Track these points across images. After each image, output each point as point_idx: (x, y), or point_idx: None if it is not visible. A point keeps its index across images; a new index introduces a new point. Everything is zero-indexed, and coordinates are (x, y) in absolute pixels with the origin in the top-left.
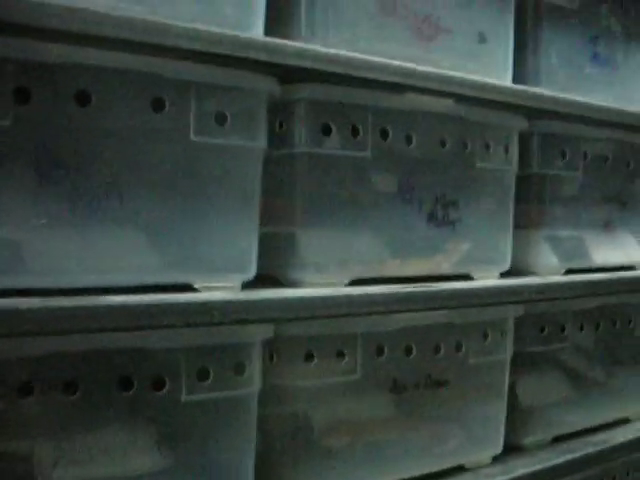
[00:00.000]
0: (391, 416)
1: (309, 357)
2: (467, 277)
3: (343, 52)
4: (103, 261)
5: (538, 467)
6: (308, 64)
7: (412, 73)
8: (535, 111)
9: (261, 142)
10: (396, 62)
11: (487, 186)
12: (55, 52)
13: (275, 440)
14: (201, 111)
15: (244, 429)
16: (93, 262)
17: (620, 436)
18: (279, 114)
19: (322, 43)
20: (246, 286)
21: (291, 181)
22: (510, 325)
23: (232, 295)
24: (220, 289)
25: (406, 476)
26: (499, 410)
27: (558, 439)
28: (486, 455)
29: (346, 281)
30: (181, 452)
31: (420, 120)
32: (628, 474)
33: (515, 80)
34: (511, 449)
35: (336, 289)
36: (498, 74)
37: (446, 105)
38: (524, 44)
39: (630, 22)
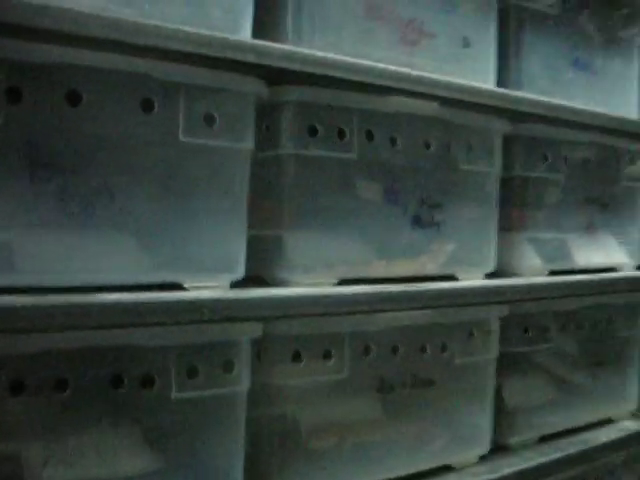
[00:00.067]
0: (378, 416)
1: (297, 356)
2: (452, 278)
3: (330, 55)
4: (94, 261)
5: (524, 466)
6: (296, 66)
7: (398, 76)
8: (518, 114)
9: (249, 143)
10: (382, 65)
11: (471, 188)
12: (46, 52)
13: (263, 439)
14: (190, 112)
15: (233, 428)
16: (84, 261)
17: (603, 436)
18: (266, 116)
19: (308, 47)
20: (235, 286)
21: (278, 183)
22: (495, 326)
23: (221, 293)
24: (209, 288)
25: (393, 475)
26: (485, 410)
27: (544, 439)
28: (473, 455)
29: (333, 281)
30: (170, 451)
31: (405, 123)
32: (613, 473)
33: (498, 85)
34: (497, 449)
35: (323, 288)
36: (481, 78)
37: (431, 108)
38: (507, 49)
39: (609, 29)
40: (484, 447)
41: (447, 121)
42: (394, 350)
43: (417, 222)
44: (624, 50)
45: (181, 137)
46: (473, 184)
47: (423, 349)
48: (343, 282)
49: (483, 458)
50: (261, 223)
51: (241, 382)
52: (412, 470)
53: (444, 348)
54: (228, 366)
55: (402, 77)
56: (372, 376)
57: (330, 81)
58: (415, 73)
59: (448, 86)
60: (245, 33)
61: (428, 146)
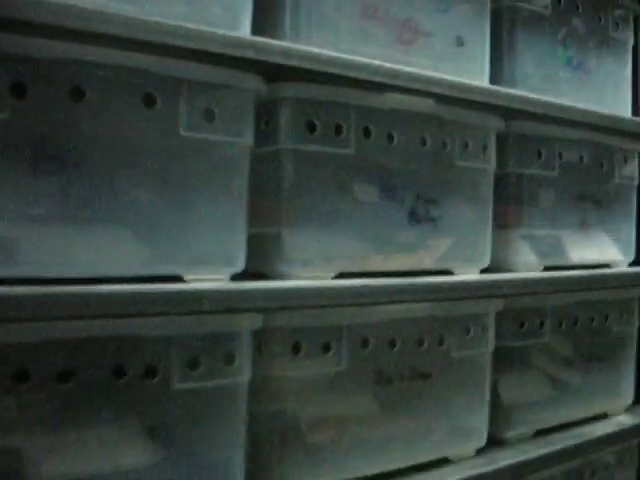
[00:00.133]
0: (377, 408)
1: (297, 348)
2: (448, 273)
3: (327, 51)
4: (96, 253)
5: (520, 459)
6: (294, 62)
7: (393, 73)
8: (511, 112)
9: (248, 138)
10: (377, 62)
11: (466, 184)
12: (50, 48)
13: (262, 431)
14: (191, 107)
15: (234, 420)
16: (87, 254)
17: (598, 430)
18: (265, 112)
19: (306, 45)
20: (235, 279)
21: (276, 179)
22: (491, 320)
23: (221, 285)
24: (209, 281)
25: (391, 468)
26: (482, 404)
27: (539, 433)
28: (470, 448)
29: (331, 275)
30: (171, 443)
31: (401, 119)
32: (607, 468)
33: (492, 83)
34: (494, 443)
35: (322, 281)
36: (475, 77)
37: (426, 105)
38: (500, 49)
39: (602, 29)
40: (481, 440)
41: (443, 118)
42: (392, 343)
43: (413, 217)
44: (617, 50)
45: (182, 132)
46: (468, 180)
47: (420, 342)
48: (341, 276)
49: (480, 451)
50: (260, 220)
51: (242, 373)
52: (410, 462)
53: (441, 341)
54: (229, 357)
55: (397, 74)
56: (370, 368)
57: (327, 78)
58: (409, 70)
59: (441, 83)
60: (244, 30)
61: (424, 142)
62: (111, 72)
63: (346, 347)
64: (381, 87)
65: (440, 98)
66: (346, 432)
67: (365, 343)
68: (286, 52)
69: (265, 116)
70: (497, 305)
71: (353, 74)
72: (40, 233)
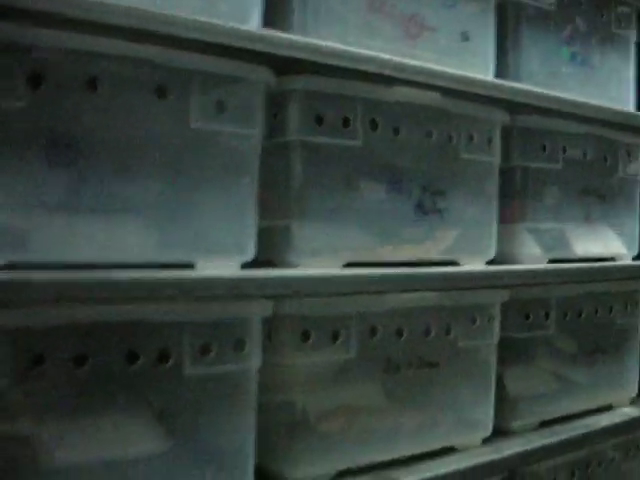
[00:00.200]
0: (384, 396)
1: (306, 336)
2: (454, 264)
3: (335, 44)
4: (110, 240)
5: (526, 448)
6: (303, 55)
7: (399, 66)
8: (516, 105)
9: (258, 130)
10: (386, 55)
11: (472, 177)
12: (66, 40)
13: (272, 419)
14: (201, 99)
15: (244, 407)
16: (101, 241)
17: (604, 421)
18: (274, 104)
19: (313, 38)
20: (245, 267)
21: (285, 170)
22: (497, 310)
23: (232, 272)
24: (220, 268)
25: (398, 455)
26: (487, 393)
27: (545, 424)
28: (476, 437)
29: (339, 265)
30: (182, 429)
31: (408, 112)
32: (612, 459)
33: (497, 79)
34: (499, 433)
35: (331, 269)
36: (480, 72)
37: (432, 98)
38: (505, 44)
39: (605, 26)
40: (487, 430)
41: (448, 111)
42: (400, 332)
43: (420, 209)
44: (621, 46)
45: (193, 123)
46: (474, 173)
47: (428, 332)
48: (349, 266)
49: (486, 441)
50: (269, 211)
51: (252, 360)
52: (417, 450)
53: (448, 331)
54: (239, 344)
55: (403, 67)
56: (378, 357)
57: (335, 71)
58: (415, 63)
59: (446, 76)
60: (254, 24)
61: (430, 135)
62: (124, 64)
63: (355, 335)
64: (388, 80)
65: (445, 91)
66: (354, 420)
67: (373, 332)
68: (295, 45)
69: (274, 108)
70: (502, 296)
71: (360, 67)
72: (55, 220)
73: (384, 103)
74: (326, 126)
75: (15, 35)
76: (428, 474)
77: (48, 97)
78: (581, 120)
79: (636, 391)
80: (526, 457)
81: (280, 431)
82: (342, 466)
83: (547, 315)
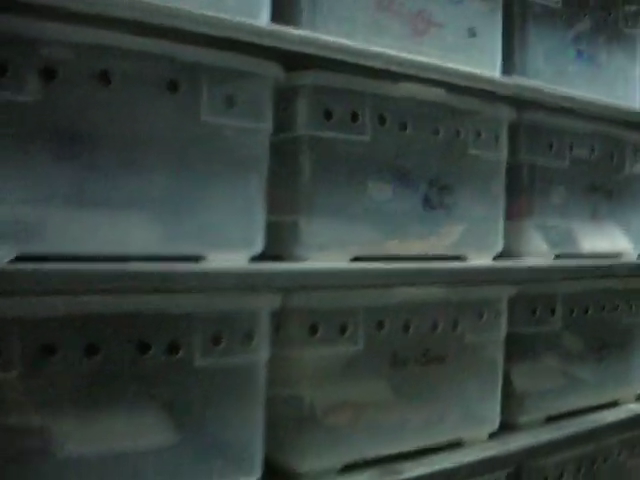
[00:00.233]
0: (391, 390)
1: (314, 329)
2: (461, 259)
3: (343, 40)
4: (122, 233)
5: (532, 443)
6: (311, 50)
7: (407, 62)
8: (522, 102)
9: (267, 124)
10: (392, 51)
11: (479, 173)
12: (79, 34)
13: (280, 412)
14: (212, 93)
15: (253, 400)
16: (112, 233)
17: (610, 417)
18: (283, 99)
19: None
20: (253, 261)
21: (294, 165)
22: (503, 305)
23: (241, 265)
24: (229, 261)
25: (405, 449)
26: (494, 388)
27: (551, 419)
28: (483, 431)
29: (347, 259)
30: (192, 423)
31: (415, 108)
32: (619, 454)
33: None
34: (506, 427)
35: (338, 263)
36: (487, 69)
37: (438, 94)
38: (511, 42)
39: (612, 23)
40: (494, 425)
41: (455, 107)
42: (407, 326)
43: (427, 204)
44: (627, 45)
45: (203, 117)
46: (481, 169)
47: (435, 326)
48: (357, 260)
49: (493, 435)
50: (277, 206)
51: (261, 352)
52: (424, 444)
53: (455, 326)
54: (248, 336)
55: (410, 63)
56: (386, 351)
57: (343, 66)
58: (421, 59)
59: (452, 72)
60: (263, 19)
61: (437, 131)
62: (136, 58)
63: (362, 329)
64: (395, 76)
65: (451, 87)
66: (362, 413)
67: (381, 326)
68: (304, 40)
69: (283, 103)
70: (509, 291)
71: (367, 63)
72: (66, 213)
73: (391, 99)
74: (335, 121)
75: (26, 29)
76: (435, 467)
77: (61, 91)
78: (588, 118)
79: None
80: (532, 452)
81: (288, 424)
82: (349, 459)
83: (553, 311)
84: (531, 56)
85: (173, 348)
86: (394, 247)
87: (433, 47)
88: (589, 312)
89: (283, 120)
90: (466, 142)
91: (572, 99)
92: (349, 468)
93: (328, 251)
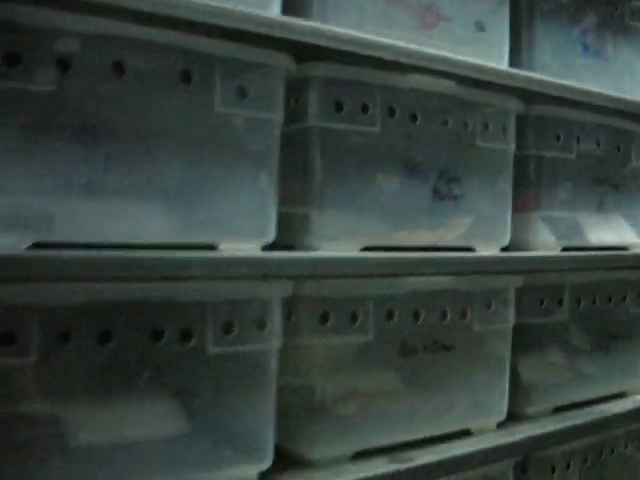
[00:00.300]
0: (401, 378)
1: (324, 318)
2: (470, 250)
3: (353, 32)
4: (136, 222)
5: (540, 433)
6: (323, 42)
7: (416, 54)
8: (530, 95)
9: (278, 115)
10: (401, 43)
11: (487, 164)
12: (94, 25)
13: (290, 401)
14: (225, 84)
15: (265, 388)
16: (126, 222)
17: (617, 408)
18: (294, 91)
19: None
20: (265, 249)
21: (305, 156)
22: (511, 295)
23: (253, 253)
24: (241, 250)
25: (414, 437)
26: (502, 378)
27: (559, 409)
28: (491, 421)
29: (357, 249)
30: (204, 412)
31: (423, 100)
32: (626, 446)
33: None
34: (514, 417)
35: (348, 252)
36: (495, 62)
37: (447, 86)
38: (519, 36)
39: (619, 17)
40: (502, 414)
41: (464, 99)
42: (416, 315)
43: (436, 195)
44: (634, 39)
45: (216, 108)
46: (489, 161)
47: (444, 315)
48: (366, 249)
49: (500, 425)
50: (289, 197)
51: (272, 340)
52: (433, 433)
53: (463, 315)
54: (260, 323)
55: (419, 55)
56: (395, 339)
57: (353, 58)
58: (430, 51)
59: (461, 64)
60: (274, 11)
61: (446, 123)
62: (150, 49)
63: (372, 318)
64: (404, 68)
65: (460, 79)
66: (372, 402)
67: (390, 315)
68: (315, 32)
69: (294, 94)
70: (517, 281)
71: (376, 54)
72: (81, 202)
73: (400, 90)
74: (345, 112)
75: (41, 20)
76: (444, 455)
77: (75, 82)
78: (595, 110)
79: None
80: (540, 442)
81: (299, 412)
82: (360, 447)
83: (561, 302)
84: (538, 50)
85: (186, 336)
86: (403, 238)
87: (442, 40)
88: (596, 303)
89: (294, 111)
90: (474, 134)
91: (579, 91)
92: (360, 455)
93: (338, 241)
